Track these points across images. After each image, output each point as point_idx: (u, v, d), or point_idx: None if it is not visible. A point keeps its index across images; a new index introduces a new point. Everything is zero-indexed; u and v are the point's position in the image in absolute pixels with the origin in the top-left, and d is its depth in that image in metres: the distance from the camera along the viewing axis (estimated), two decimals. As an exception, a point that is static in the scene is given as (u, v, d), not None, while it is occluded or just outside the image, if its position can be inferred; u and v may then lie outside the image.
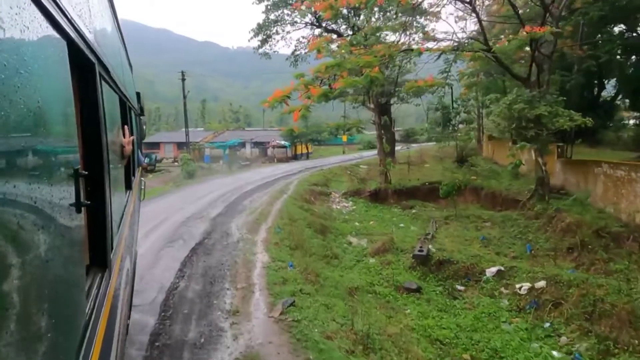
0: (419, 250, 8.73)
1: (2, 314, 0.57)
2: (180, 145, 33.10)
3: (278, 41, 20.72)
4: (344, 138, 38.85)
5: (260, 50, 20.89)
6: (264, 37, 20.07)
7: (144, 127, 7.86)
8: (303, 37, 21.60)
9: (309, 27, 20.62)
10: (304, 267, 7.23)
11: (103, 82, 1.73)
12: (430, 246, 9.11)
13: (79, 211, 1.10)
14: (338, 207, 15.24)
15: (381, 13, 19.12)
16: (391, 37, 15.96)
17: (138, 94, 4.93)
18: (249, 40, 20.01)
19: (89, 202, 1.34)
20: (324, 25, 19.85)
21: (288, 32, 20.09)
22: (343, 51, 12.67)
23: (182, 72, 27.98)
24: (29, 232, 0.71)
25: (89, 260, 1.54)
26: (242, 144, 34.10)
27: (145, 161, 11.22)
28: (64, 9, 0.98)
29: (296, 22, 19.80)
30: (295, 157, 34.24)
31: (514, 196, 13.00)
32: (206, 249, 7.81)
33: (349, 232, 11.56)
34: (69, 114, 1.09)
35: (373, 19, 17.91)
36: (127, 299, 2.95)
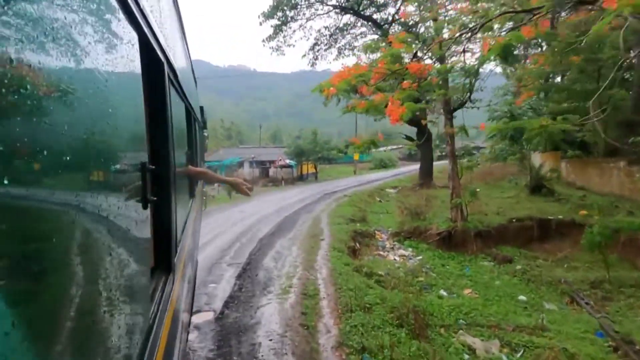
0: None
1: (70, 313, 0.56)
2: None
3: (295, 31, 16.09)
4: (356, 156, 34.25)
5: (272, 44, 16.20)
6: (279, 22, 15.36)
7: (206, 140, 7.72)
8: (326, 28, 17.03)
9: (334, 12, 16.01)
10: None
11: (171, 85, 1.69)
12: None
13: (145, 207, 1.07)
14: (396, 257, 10.29)
15: None
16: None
17: (201, 108, 5.29)
18: (260, 24, 15.36)
19: (155, 199, 1.24)
20: (354, 9, 15.29)
21: (310, 19, 15.46)
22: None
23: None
24: (97, 225, 0.69)
25: (153, 263, 1.48)
26: (241, 163, 29.07)
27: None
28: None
29: (317, 2, 15.11)
30: (301, 178, 29.32)
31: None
32: None
33: (450, 318, 6.60)
34: (139, 107, 1.06)
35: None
36: (189, 307, 2.82)
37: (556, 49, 10.98)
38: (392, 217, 14.75)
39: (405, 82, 5.08)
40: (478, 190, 11.66)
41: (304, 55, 17.47)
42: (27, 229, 0.49)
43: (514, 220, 11.61)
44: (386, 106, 5.16)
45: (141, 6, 1.02)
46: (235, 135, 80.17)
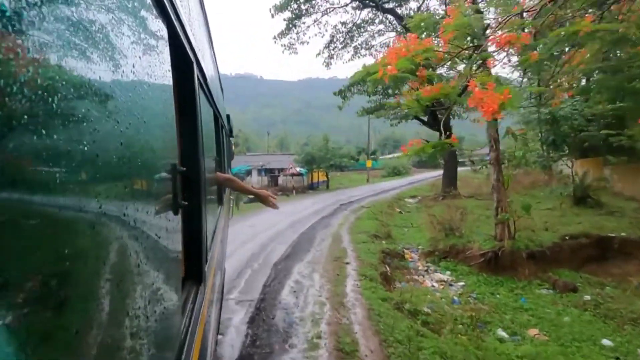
0: None
1: (98, 329, 0.52)
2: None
3: (309, 27, 14.70)
4: (369, 164, 32.78)
5: (284, 41, 14.81)
6: (293, 15, 13.98)
7: (233, 147, 7.35)
8: (342, 24, 15.62)
9: (351, 7, 14.60)
10: None
11: (200, 87, 1.64)
12: None
13: (176, 212, 1.00)
14: (433, 283, 8.72)
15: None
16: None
17: (228, 116, 5.21)
18: (272, 16, 13.96)
19: (185, 203, 1.13)
20: (375, 2, 13.87)
21: (325, 13, 14.04)
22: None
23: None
24: (126, 231, 0.64)
25: (184, 272, 1.44)
26: (249, 171, 27.69)
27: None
28: None
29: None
30: (311, 187, 27.83)
31: None
32: None
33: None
34: (168, 106, 0.99)
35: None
36: (217, 318, 2.73)
37: (602, 43, 9.46)
38: (419, 231, 13.18)
39: (488, 60, 3.59)
40: (530, 204, 9.99)
41: (318, 54, 16.10)
42: (53, 239, 0.44)
43: (566, 237, 9.97)
44: (462, 94, 3.69)
45: None
46: (243, 142, 79.45)
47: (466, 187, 20.63)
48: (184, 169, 1.17)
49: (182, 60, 1.33)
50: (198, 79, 1.56)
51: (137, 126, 0.71)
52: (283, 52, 15.15)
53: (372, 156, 33.90)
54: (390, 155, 58.43)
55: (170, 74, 1.02)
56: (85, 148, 0.50)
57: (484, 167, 22.26)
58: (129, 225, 0.65)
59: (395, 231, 12.87)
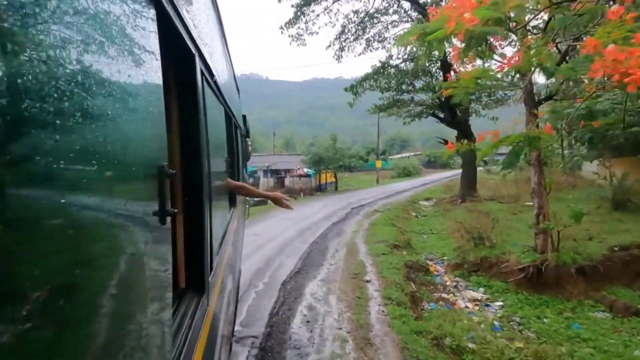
0: None
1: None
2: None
3: (319, 15, 13.54)
4: (379, 164, 31.55)
5: (292, 31, 13.66)
6: (302, 1, 12.82)
7: (249, 148, 7.08)
8: (355, 13, 14.43)
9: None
10: None
11: (206, 83, 1.55)
12: None
13: (163, 221, 0.85)
14: (467, 303, 7.51)
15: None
16: None
17: (244, 117, 5.39)
18: (279, 1, 12.81)
19: (175, 211, 0.97)
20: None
21: (336, 0, 12.87)
22: None
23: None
24: (99, 242, 0.57)
25: (184, 283, 1.40)
26: (254, 172, 26.59)
27: (250, 181, 9.48)
28: None
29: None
30: (319, 188, 26.67)
31: None
32: None
33: None
34: (155, 104, 0.84)
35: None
36: (228, 329, 2.45)
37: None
38: (440, 239, 11.96)
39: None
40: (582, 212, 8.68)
41: (329, 46, 14.96)
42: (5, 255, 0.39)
43: (616, 248, 8.71)
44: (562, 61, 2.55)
45: None
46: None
47: (483, 189, 19.34)
48: (173, 171, 0.93)
49: (180, 52, 1.20)
50: (203, 75, 1.43)
51: (111, 123, 0.61)
52: (290, 43, 14.06)
53: (382, 156, 32.66)
54: (398, 156, 57.16)
55: (158, 68, 0.85)
56: (48, 149, 0.44)
57: (503, 168, 20.96)
58: (101, 236, 0.57)
59: (414, 238, 11.65)
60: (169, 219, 0.90)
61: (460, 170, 36.54)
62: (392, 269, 7.62)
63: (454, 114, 16.22)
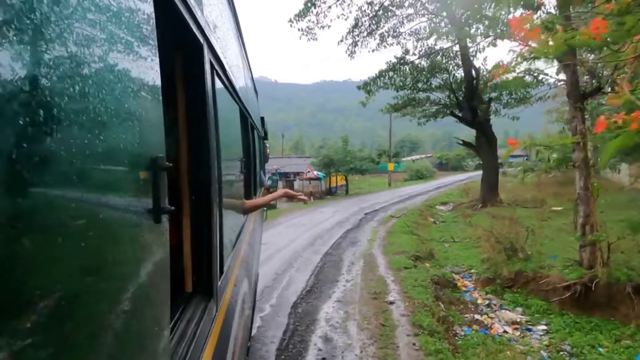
0: None
1: None
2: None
3: (330, 7, 12.67)
4: (391, 166, 30.52)
5: (302, 25, 12.81)
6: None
7: (268, 150, 7.10)
8: (369, 4, 13.52)
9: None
10: None
11: (216, 75, 1.48)
12: None
13: (157, 220, 0.76)
14: (505, 327, 6.52)
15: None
16: None
17: (262, 119, 5.30)
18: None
19: (172, 208, 0.83)
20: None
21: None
22: None
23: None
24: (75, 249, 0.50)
25: (191, 287, 1.33)
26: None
27: (268, 183, 9.59)
28: None
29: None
30: (329, 192, 25.75)
31: None
32: None
33: None
34: (150, 87, 0.76)
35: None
36: (242, 338, 2.19)
37: None
38: (464, 248, 10.95)
39: None
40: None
41: (341, 41, 14.08)
42: None
43: (672, 262, 7.61)
44: None
45: None
46: (257, 145, 78.67)
47: (502, 193, 18.19)
48: (170, 164, 0.83)
49: (185, 40, 1.13)
50: (213, 69, 1.37)
51: (97, 110, 0.56)
52: (300, 37, 13.19)
53: (395, 159, 31.58)
54: (409, 158, 56.01)
55: (153, 51, 0.79)
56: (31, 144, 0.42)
57: (526, 171, 19.83)
58: (82, 237, 0.51)
59: (438, 248, 10.65)
60: (165, 217, 0.80)
61: (474, 173, 35.16)
62: (418, 287, 6.66)
63: (474, 113, 15.19)
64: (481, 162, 18.97)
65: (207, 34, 1.24)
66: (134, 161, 0.68)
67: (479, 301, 7.60)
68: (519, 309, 7.21)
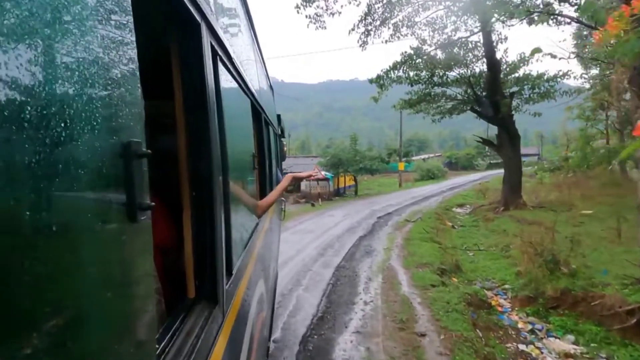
0: None
1: None
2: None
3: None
4: (401, 166, 29.34)
5: (310, 11, 11.77)
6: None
7: (285, 149, 6.62)
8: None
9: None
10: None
11: (220, 60, 1.34)
12: None
13: (133, 218, 0.63)
14: (555, 358, 5.38)
15: None
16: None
17: (279, 116, 5.09)
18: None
19: (153, 204, 0.70)
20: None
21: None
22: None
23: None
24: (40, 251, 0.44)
25: (194, 292, 1.19)
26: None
27: None
28: None
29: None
30: (338, 193, 24.66)
31: None
32: None
33: None
34: (124, 61, 0.65)
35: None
36: (257, 346, 1.99)
37: None
38: (490, 257, 9.79)
39: None
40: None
41: (352, 30, 13.03)
42: None
43: None
44: None
45: None
46: (264, 146, 78.29)
47: (522, 194, 17.04)
48: (148, 150, 0.68)
49: (177, 16, 1.03)
50: (214, 51, 1.24)
51: (50, 85, 0.48)
52: (308, 25, 12.17)
53: (405, 158, 30.41)
54: (418, 157, 54.72)
55: (129, 23, 0.67)
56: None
57: (552, 170, 18.53)
58: (39, 236, 0.45)
59: (466, 264, 9.49)
60: (143, 215, 0.67)
61: (487, 173, 33.76)
62: (452, 313, 5.55)
63: (496, 108, 14.01)
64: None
65: (207, 15, 1.13)
66: (100, 147, 0.56)
67: (520, 325, 6.45)
68: (570, 337, 6.06)
